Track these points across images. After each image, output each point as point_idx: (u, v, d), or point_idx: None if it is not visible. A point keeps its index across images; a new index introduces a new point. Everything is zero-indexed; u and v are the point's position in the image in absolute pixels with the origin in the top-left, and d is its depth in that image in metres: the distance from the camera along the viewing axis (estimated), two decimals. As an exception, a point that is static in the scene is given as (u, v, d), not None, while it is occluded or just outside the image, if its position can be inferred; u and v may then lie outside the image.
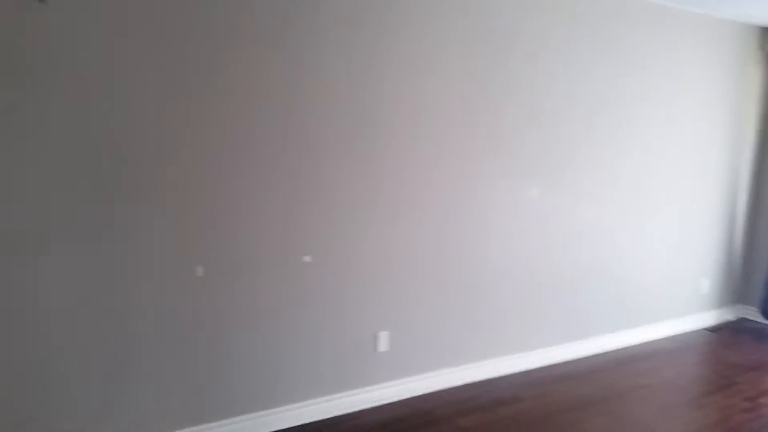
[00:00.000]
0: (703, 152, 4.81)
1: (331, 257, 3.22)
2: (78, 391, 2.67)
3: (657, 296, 4.76)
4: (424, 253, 3.53)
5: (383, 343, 3.48)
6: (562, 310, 4.22)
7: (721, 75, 4.77)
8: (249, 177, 2.91)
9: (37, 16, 2.37)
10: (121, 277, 2.68)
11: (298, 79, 2.96)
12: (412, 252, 3.49)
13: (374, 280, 3.39)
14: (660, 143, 4.51)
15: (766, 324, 5.15)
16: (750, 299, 5.31)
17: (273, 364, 3.15)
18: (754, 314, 5.27)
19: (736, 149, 5.04)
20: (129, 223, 2.66)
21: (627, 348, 4.57)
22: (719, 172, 4.97)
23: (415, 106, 3.34)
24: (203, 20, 2.70)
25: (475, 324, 3.83)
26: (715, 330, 5.07)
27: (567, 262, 4.17)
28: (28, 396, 2.57)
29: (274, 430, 3.17)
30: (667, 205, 4.66)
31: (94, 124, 2.54)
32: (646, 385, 3.93)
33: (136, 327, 2.75)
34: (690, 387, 3.96)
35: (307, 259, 3.14)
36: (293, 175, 3.03)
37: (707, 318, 5.16)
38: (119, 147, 2.59)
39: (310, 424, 3.28)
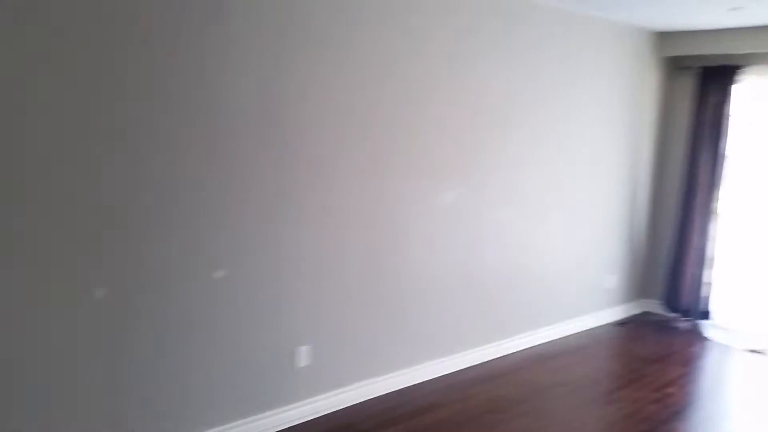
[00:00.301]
0: (607, 153, 5.00)
1: (244, 271, 3.04)
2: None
3: (568, 293, 4.90)
4: (343, 262, 3.42)
5: (303, 358, 3.34)
6: (479, 312, 4.24)
7: (621, 78, 4.98)
8: (151, 187, 2.69)
9: None
10: (6, 303, 2.39)
11: (203, 80, 2.77)
12: (329, 261, 3.37)
13: (291, 292, 3.24)
14: (567, 145, 4.63)
15: (668, 316, 5.42)
16: (653, 293, 5.58)
17: (181, 388, 2.92)
18: (657, 307, 5.53)
19: (636, 150, 5.28)
20: (25, 240, 2.38)
21: (542, 345, 4.66)
22: (622, 173, 5.19)
23: (325, 106, 3.23)
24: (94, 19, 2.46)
25: (396, 331, 3.76)
26: (622, 324, 5.28)
27: (483, 264, 4.19)
28: None
29: (185, 459, 2.95)
30: (576, 205, 4.80)
31: None
32: (563, 382, 4.01)
33: (24, 357, 2.46)
34: (603, 381, 4.08)
35: (218, 274, 2.94)
36: (199, 185, 2.83)
37: (615, 313, 5.37)
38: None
39: (226, 449, 3.08)
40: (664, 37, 5.15)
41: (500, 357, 4.39)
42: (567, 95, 4.55)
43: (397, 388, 3.80)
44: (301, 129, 3.14)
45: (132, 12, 2.55)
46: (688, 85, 5.23)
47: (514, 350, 4.51)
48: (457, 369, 4.13)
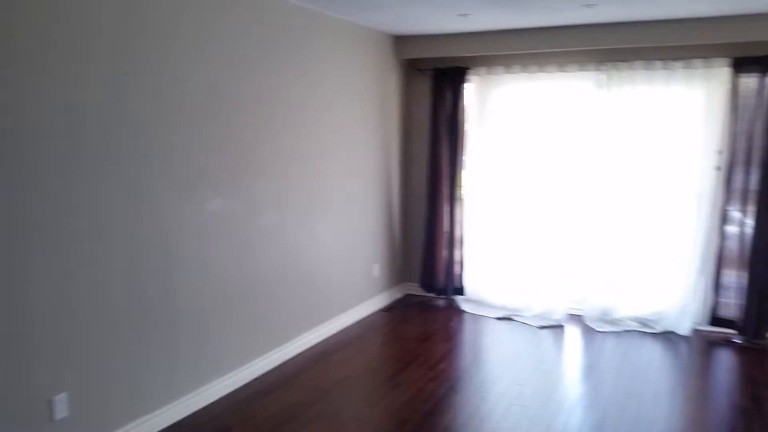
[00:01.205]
0: (362, 151, 5.19)
1: (-28, 317, 2.45)
2: None
3: (339, 288, 4.99)
4: (99, 291, 2.97)
5: (61, 408, 2.82)
6: (258, 321, 4.07)
7: (369, 79, 5.20)
8: None
9: None
10: None
11: None
12: (80, 292, 2.89)
13: (43, 335, 2.71)
14: (325, 145, 4.69)
15: (426, 295, 5.87)
16: (411, 276, 5.99)
17: None
18: (416, 289, 5.95)
19: (386, 147, 5.59)
20: None
21: (319, 344, 4.67)
22: (377, 168, 5.45)
23: (54, 110, 2.76)
24: None
25: (171, 358, 3.41)
26: (389, 309, 5.57)
27: (257, 272, 4.03)
28: None
29: None
30: (339, 202, 4.90)
31: None
32: (346, 377, 4.06)
33: None
34: (382, 368, 4.23)
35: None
36: None
37: (381, 299, 5.64)
38: None
39: None
40: (402, 40, 5.52)
41: (283, 363, 4.29)
42: (321, 96, 4.59)
43: (178, 419, 3.45)
44: (19, 137, 2.64)
45: None
46: (425, 85, 5.69)
47: (296, 353, 4.45)
48: (243, 383, 3.92)
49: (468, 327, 5.18)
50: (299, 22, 4.26)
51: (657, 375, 4.16)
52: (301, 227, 4.44)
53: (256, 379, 4.01)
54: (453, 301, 5.77)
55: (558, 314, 5.21)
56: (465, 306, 5.61)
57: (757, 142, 4.58)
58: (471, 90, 5.53)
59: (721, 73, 4.67)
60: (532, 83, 5.28)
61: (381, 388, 3.92)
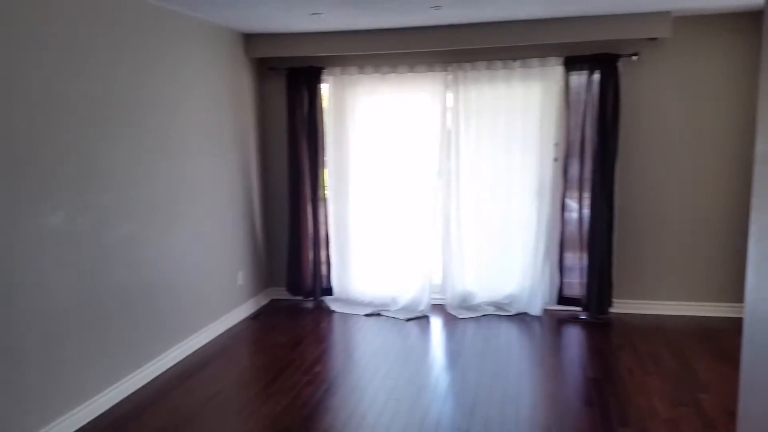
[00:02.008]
0: (218, 153, 4.99)
1: None
2: None
3: (202, 299, 4.76)
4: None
5: None
6: (113, 342, 3.76)
7: (219, 79, 5.01)
8: None
9: None
10: None
11: None
12: None
13: None
14: (181, 149, 4.45)
15: (294, 299, 5.80)
16: (278, 281, 5.88)
17: None
18: (283, 293, 5.85)
19: (243, 148, 5.42)
20: None
21: (186, 360, 4.43)
22: (235, 171, 5.27)
23: None
24: None
25: (12, 393, 3.04)
26: (256, 317, 5.42)
27: (110, 289, 3.72)
28: None
29: None
30: (197, 208, 4.67)
31: None
32: (217, 393, 3.89)
33: None
34: (256, 379, 4.11)
35: None
36: None
37: (248, 307, 5.47)
38: None
39: None
40: (253, 39, 5.38)
41: (147, 384, 4.01)
42: (171, 99, 4.35)
43: (28, 461, 3.10)
44: None
45: None
46: (280, 85, 5.60)
47: (160, 372, 4.18)
48: (102, 411, 3.61)
49: (338, 327, 5.19)
50: (144, 19, 3.98)
51: (516, 355, 4.46)
52: (156, 238, 4.17)
53: (117, 405, 3.71)
54: (322, 302, 5.75)
55: (422, 305, 5.39)
56: (334, 306, 5.61)
57: (589, 134, 5.06)
58: (327, 90, 5.54)
59: (555, 71, 5.09)
60: (385, 84, 5.40)
61: (255, 399, 3.80)
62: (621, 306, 5.25)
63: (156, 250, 4.15)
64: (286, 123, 5.56)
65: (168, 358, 4.29)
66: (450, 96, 5.31)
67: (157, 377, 4.12)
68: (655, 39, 4.92)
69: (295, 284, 5.72)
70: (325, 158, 5.60)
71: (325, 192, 5.66)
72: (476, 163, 5.32)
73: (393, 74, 5.37)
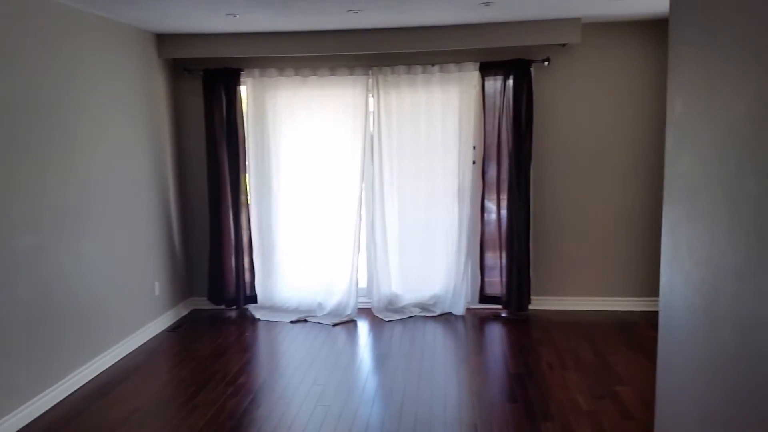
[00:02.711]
0: (131, 158, 4.77)
1: None
2: None
3: (116, 312, 4.53)
4: None
5: None
6: (14, 363, 3.51)
7: (137, 82, 4.80)
8: None
9: None
10: None
11: None
12: None
13: None
14: (90, 154, 4.22)
15: (216, 308, 5.62)
16: (198, 290, 5.68)
17: None
18: (203, 303, 5.66)
19: (159, 153, 5.21)
20: None
21: (100, 377, 4.20)
22: (150, 176, 5.05)
23: None
24: None
25: None
26: (175, 328, 5.21)
27: (12, 305, 3.47)
28: None
29: None
30: (109, 217, 4.44)
31: None
32: (136, 410, 3.71)
33: None
34: (177, 393, 3.95)
35: None
36: None
37: (166, 319, 5.26)
38: None
39: None
40: (167, 39, 5.18)
41: (58, 403, 3.77)
42: (80, 101, 4.12)
43: None
44: None
45: None
46: (197, 88, 5.42)
47: (73, 390, 3.94)
48: (6, 439, 3.35)
49: (263, 335, 5.08)
50: (48, 19, 3.75)
51: (442, 355, 4.51)
52: (64, 249, 3.92)
53: (25, 429, 3.46)
54: (245, 310, 5.61)
55: (349, 310, 5.36)
56: (258, 314, 5.48)
57: (505, 137, 5.21)
58: (246, 92, 5.41)
59: (472, 76, 5.20)
60: (306, 86, 5.34)
61: (177, 414, 3.65)
62: (539, 303, 5.44)
63: (62, 261, 3.91)
64: (204, 126, 5.39)
65: (80, 376, 4.05)
66: (371, 100, 5.32)
67: (68, 397, 3.87)
68: (565, 45, 5.13)
69: (216, 293, 5.55)
70: (246, 162, 5.47)
71: (248, 197, 5.53)
72: (399, 166, 5.36)
73: (314, 77, 5.33)
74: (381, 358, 4.51)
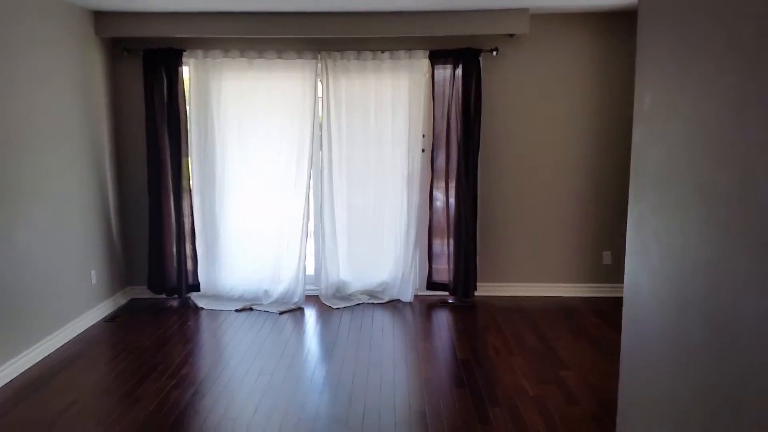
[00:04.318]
0: (65, 142, 4.53)
1: None
2: None
3: (50, 301, 4.31)
4: None
5: None
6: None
7: (71, 61, 4.56)
8: None
9: None
10: None
11: None
12: None
13: None
14: (20, 138, 3.98)
15: (157, 297, 5.44)
16: (138, 278, 5.48)
17: None
18: (143, 292, 5.46)
19: (96, 137, 4.97)
20: None
21: (32, 369, 3.99)
22: (85, 161, 4.82)
23: None
24: None
25: None
26: (113, 319, 5.01)
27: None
28: None
29: None
30: (42, 203, 4.21)
31: None
32: (72, 403, 3.54)
33: None
34: (117, 386, 3.79)
35: None
36: None
37: (103, 309, 5.05)
38: None
39: None
40: (105, 17, 4.93)
41: (-16, 402, 3.56)
42: (5, 77, 3.87)
43: None
44: None
45: None
46: (137, 68, 5.19)
47: (1, 385, 3.72)
48: (-73, 439, 3.14)
49: (207, 324, 4.95)
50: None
51: (391, 342, 4.51)
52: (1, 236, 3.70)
53: (-52, 429, 3.25)
54: (188, 299, 5.44)
55: (296, 297, 5.29)
56: (201, 302, 5.33)
57: (454, 125, 5.22)
58: (189, 74, 5.23)
59: (422, 64, 5.19)
60: (252, 69, 5.20)
61: (117, 407, 3.50)
62: (484, 289, 5.51)
63: (-7, 249, 3.69)
64: (144, 109, 5.17)
65: (11, 368, 3.83)
66: (321, 85, 5.23)
67: (-2, 392, 3.67)
68: (513, 35, 5.18)
69: (157, 281, 5.37)
70: (188, 147, 5.29)
71: (190, 182, 5.35)
72: (348, 152, 5.30)
73: (260, 60, 5.19)
74: (329, 346, 4.47)
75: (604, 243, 5.50)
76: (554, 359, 4.17)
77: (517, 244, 5.52)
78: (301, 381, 3.85)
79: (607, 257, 5.52)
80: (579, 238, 5.51)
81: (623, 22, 5.19)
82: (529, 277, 5.58)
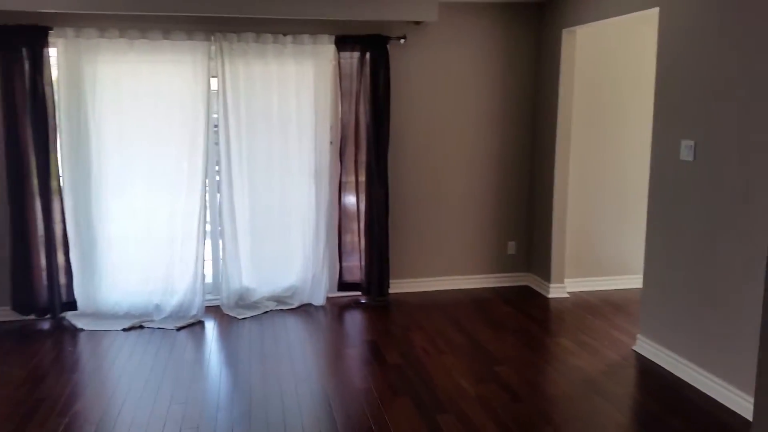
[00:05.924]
0: None
1: None
2: None
3: None
4: None
5: None
6: None
7: None
8: None
9: None
10: None
11: None
12: None
13: None
14: None
15: (24, 319, 4.60)
16: (-3, 299, 4.60)
17: None
18: (7, 314, 4.60)
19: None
20: None
21: None
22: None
23: None
24: None
25: None
26: (-32, 349, 4.15)
27: None
28: None
29: None
30: None
31: None
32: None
33: None
34: (-11, 434, 3.09)
35: None
36: None
37: (-45, 338, 4.16)
38: None
39: None
40: (-57, -20, 4.03)
41: None
42: None
43: None
44: None
45: None
46: (-13, 45, 4.32)
47: None
48: None
49: (91, 349, 4.23)
50: None
51: (301, 351, 4.14)
52: None
53: None
54: (63, 319, 4.65)
55: (194, 310, 4.72)
56: (80, 323, 4.57)
57: (362, 116, 4.94)
58: (57, 56, 4.45)
59: (328, 50, 4.83)
60: (133, 51, 4.54)
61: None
62: (396, 286, 5.30)
63: None
64: (1, 96, 4.33)
65: None
66: (218, 71, 4.69)
67: None
68: (420, 23, 5.00)
69: (23, 300, 4.54)
70: (57, 141, 4.51)
71: (60, 182, 4.57)
72: (249, 144, 4.81)
73: (143, 41, 4.54)
74: (232, 361, 3.99)
75: (510, 233, 5.52)
76: (484, 354, 4.05)
77: (426, 237, 5.38)
78: (213, 404, 3.37)
79: (511, 247, 5.55)
80: (485, 230, 5.48)
81: (529, 12, 5.20)
82: (439, 271, 5.46)
